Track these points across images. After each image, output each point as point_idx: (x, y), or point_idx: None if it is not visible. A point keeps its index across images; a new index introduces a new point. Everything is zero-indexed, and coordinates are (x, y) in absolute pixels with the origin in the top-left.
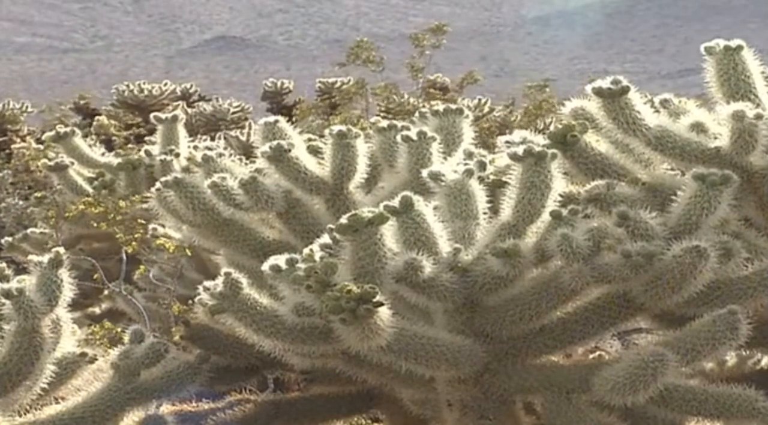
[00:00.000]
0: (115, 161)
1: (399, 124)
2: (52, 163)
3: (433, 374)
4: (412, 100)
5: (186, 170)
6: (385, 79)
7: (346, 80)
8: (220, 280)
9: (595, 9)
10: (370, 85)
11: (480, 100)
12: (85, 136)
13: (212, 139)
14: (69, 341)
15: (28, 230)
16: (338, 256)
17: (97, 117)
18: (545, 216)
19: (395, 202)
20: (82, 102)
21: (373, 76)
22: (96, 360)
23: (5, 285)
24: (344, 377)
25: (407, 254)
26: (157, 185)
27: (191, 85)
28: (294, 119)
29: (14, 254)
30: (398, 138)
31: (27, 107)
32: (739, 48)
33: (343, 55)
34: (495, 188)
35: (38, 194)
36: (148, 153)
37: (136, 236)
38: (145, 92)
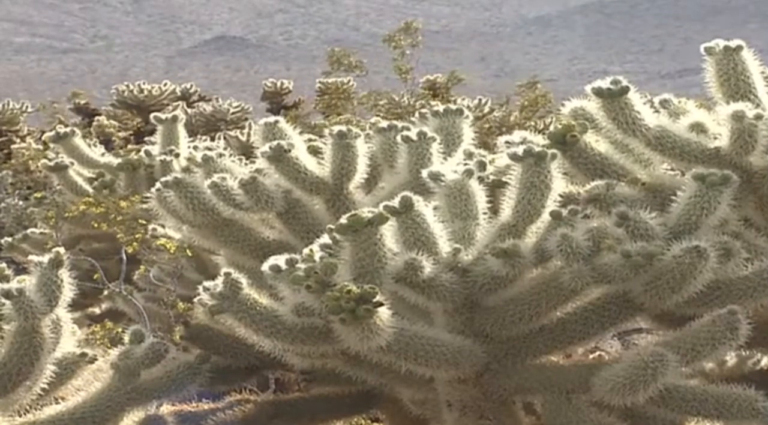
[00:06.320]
0: (115, 161)
1: (399, 124)
2: (52, 163)
3: (433, 374)
4: (406, 101)
5: (186, 170)
6: (384, 79)
7: (345, 81)
8: (219, 280)
9: (595, 9)
10: (359, 90)
11: (480, 100)
12: (84, 136)
13: (212, 139)
14: (69, 341)
15: (28, 231)
16: (338, 256)
17: (96, 117)
18: (545, 216)
19: (395, 202)
20: (81, 102)
21: (371, 77)
22: (96, 360)
23: (5, 285)
24: (344, 377)
25: (407, 254)
26: (157, 185)
27: (191, 86)
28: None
29: (14, 255)
30: (398, 138)
31: (27, 107)
32: (739, 48)
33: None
34: (495, 188)
35: (38, 195)
36: (148, 153)
37: (136, 236)
38: (145, 93)
